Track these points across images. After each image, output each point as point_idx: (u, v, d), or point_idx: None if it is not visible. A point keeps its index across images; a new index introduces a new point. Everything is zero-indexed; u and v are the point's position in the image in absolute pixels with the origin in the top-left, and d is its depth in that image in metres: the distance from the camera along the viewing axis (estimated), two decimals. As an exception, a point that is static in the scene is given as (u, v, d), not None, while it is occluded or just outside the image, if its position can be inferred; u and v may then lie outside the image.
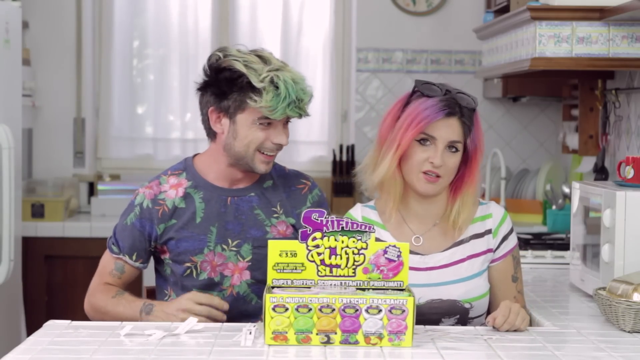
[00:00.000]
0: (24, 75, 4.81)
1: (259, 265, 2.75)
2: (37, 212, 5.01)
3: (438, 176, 2.59)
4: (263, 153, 2.74)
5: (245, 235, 2.77)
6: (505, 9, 4.47)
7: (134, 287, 2.87)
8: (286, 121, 2.75)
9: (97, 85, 5.63)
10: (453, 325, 2.63)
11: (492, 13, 4.63)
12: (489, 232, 2.70)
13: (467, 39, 5.25)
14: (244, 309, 2.76)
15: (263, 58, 2.74)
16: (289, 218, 2.82)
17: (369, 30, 5.50)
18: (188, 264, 2.77)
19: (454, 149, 2.60)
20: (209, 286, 2.77)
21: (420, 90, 2.62)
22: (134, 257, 2.81)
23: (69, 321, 2.56)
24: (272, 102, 2.65)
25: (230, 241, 2.77)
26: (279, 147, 2.74)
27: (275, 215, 2.81)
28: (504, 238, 2.71)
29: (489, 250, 2.70)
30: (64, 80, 5.49)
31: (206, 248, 2.76)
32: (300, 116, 2.72)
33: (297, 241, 2.38)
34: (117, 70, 5.61)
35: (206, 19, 5.59)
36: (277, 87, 2.66)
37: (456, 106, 2.59)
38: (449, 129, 2.59)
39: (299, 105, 2.69)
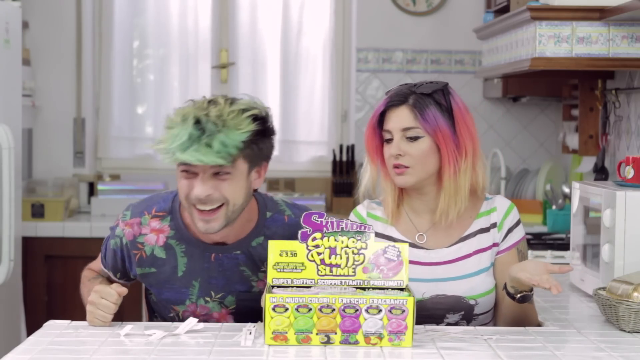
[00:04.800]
0: (24, 75, 4.81)
1: (243, 312, 2.65)
2: (37, 212, 5.01)
3: (406, 167, 2.61)
4: (197, 208, 2.47)
5: (230, 289, 2.64)
6: (505, 9, 4.48)
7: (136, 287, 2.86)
8: (216, 171, 2.44)
9: (97, 85, 5.62)
10: (458, 321, 2.63)
11: (492, 13, 4.63)
12: (494, 225, 2.69)
13: (467, 39, 5.25)
14: None
15: (214, 102, 2.45)
16: None
17: (369, 30, 5.51)
18: (170, 310, 2.69)
19: (412, 137, 2.60)
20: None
21: (386, 94, 2.70)
22: (117, 276, 2.75)
23: (69, 321, 2.56)
24: (164, 144, 2.39)
25: (213, 293, 2.64)
26: (206, 201, 2.44)
27: (262, 270, 2.62)
28: (509, 230, 2.69)
29: (495, 245, 2.68)
30: (64, 80, 5.49)
31: (188, 300, 2.65)
32: (204, 162, 2.38)
33: (297, 241, 2.39)
34: (117, 70, 5.61)
35: (206, 19, 5.58)
36: (172, 127, 2.40)
37: (407, 96, 2.62)
38: (398, 118, 2.62)
39: (198, 150, 2.36)
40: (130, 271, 2.71)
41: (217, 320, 2.67)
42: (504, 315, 2.62)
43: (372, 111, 2.70)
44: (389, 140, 2.63)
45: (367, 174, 2.71)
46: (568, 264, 3.36)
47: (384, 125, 2.64)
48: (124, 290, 2.53)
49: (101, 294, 2.51)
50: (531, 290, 2.53)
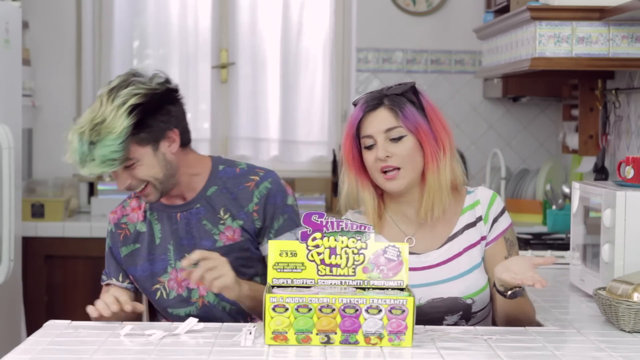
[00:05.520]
0: (24, 75, 4.81)
1: None
2: (37, 212, 5.01)
3: (395, 169, 2.59)
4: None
5: (199, 248, 2.72)
6: (505, 9, 4.48)
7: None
8: (125, 165, 2.66)
9: (97, 85, 5.62)
10: (457, 321, 2.63)
11: (492, 13, 4.63)
12: (480, 219, 2.67)
13: (467, 39, 5.26)
14: (220, 317, 2.74)
15: (100, 101, 2.66)
16: (235, 221, 2.75)
17: (369, 30, 5.51)
18: (157, 286, 2.78)
19: (396, 137, 2.59)
20: (181, 303, 2.77)
21: (354, 103, 2.68)
22: (120, 279, 2.84)
23: (69, 321, 2.56)
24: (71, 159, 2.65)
25: (187, 255, 2.69)
26: (130, 188, 2.71)
27: (221, 222, 2.76)
28: (494, 220, 2.67)
29: (483, 238, 2.67)
30: (64, 80, 5.49)
31: (169, 266, 2.77)
32: (97, 174, 2.69)
33: (297, 241, 2.39)
34: (117, 70, 5.59)
35: (206, 19, 5.59)
36: (70, 143, 2.64)
37: (381, 98, 2.62)
38: (378, 121, 2.60)
39: (88, 166, 2.62)
40: (117, 258, 2.82)
41: (197, 285, 2.74)
42: (499, 311, 2.61)
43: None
44: (371, 147, 2.61)
45: (345, 185, 2.69)
46: (568, 263, 3.37)
47: (363, 132, 2.62)
48: (140, 307, 2.61)
49: (114, 292, 2.63)
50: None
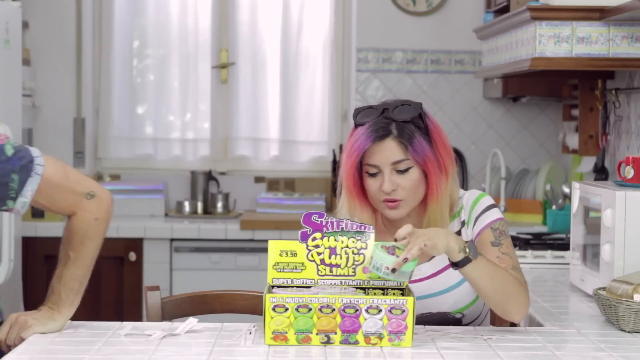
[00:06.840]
0: (24, 75, 4.81)
1: None
2: (37, 212, 5.01)
3: (398, 200, 2.53)
4: None
5: None
6: (505, 9, 4.48)
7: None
8: None
9: (97, 85, 5.62)
10: None
11: (492, 13, 4.63)
12: (463, 224, 2.60)
13: (467, 39, 5.26)
14: None
15: None
16: None
17: (369, 30, 5.50)
18: None
19: (402, 169, 2.52)
20: None
21: (355, 121, 2.56)
22: None
23: (69, 321, 2.56)
24: None
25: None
26: None
27: None
28: (477, 218, 2.58)
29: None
30: (64, 80, 5.49)
31: None
32: None
33: (297, 241, 2.39)
34: (117, 70, 5.61)
35: (206, 19, 5.59)
36: None
37: (389, 126, 2.51)
38: (385, 152, 2.51)
39: None
40: None
41: None
42: (483, 296, 2.46)
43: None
44: (375, 174, 2.54)
45: (344, 208, 2.64)
46: (568, 263, 3.37)
47: (368, 160, 2.54)
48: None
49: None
50: (467, 252, 2.36)
